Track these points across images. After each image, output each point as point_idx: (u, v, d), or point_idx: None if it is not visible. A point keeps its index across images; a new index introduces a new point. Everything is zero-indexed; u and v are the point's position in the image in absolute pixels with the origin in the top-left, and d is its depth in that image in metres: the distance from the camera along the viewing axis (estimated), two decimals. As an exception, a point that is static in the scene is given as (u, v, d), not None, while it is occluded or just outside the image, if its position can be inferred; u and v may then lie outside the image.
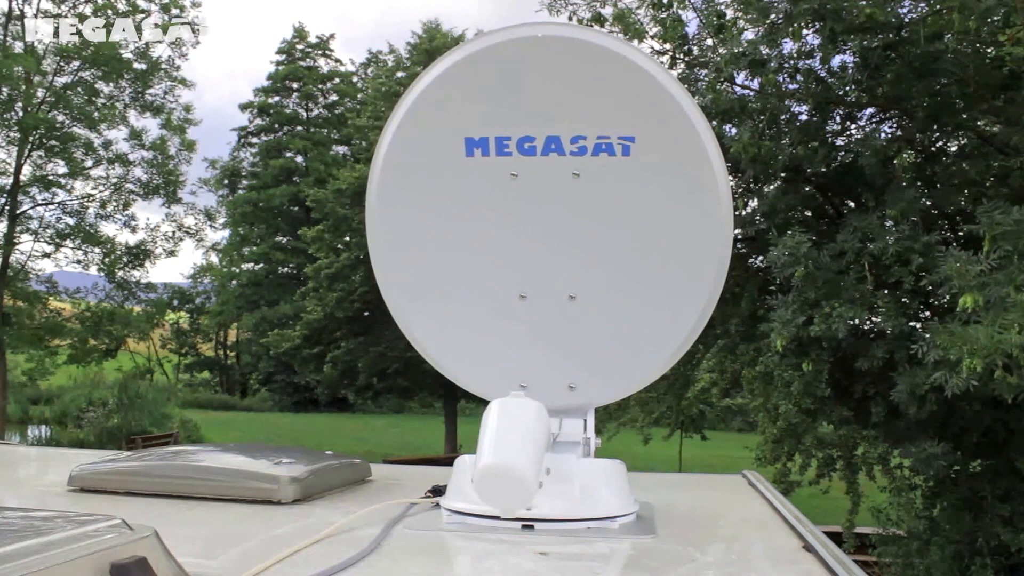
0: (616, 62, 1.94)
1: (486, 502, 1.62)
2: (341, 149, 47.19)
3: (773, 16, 6.47)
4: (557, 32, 2.00)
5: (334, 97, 50.34)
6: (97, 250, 23.14)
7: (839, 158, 7.22)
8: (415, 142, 2.04)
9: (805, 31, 6.51)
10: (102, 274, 23.52)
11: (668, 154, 1.96)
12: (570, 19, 7.08)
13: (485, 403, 1.73)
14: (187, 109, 24.31)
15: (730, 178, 7.84)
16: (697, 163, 1.95)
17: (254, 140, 50.38)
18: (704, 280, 1.97)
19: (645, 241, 1.99)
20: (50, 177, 22.14)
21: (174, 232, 25.18)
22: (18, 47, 20.73)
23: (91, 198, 23.20)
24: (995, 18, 5.93)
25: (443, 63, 2.01)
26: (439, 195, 2.05)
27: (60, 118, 21.64)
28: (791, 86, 7.03)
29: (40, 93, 21.19)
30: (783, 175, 7.29)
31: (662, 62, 7.30)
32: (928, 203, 6.57)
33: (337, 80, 50.27)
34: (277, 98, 50.02)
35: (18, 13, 21.25)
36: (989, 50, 6.31)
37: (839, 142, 7.45)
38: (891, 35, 6.31)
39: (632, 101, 1.95)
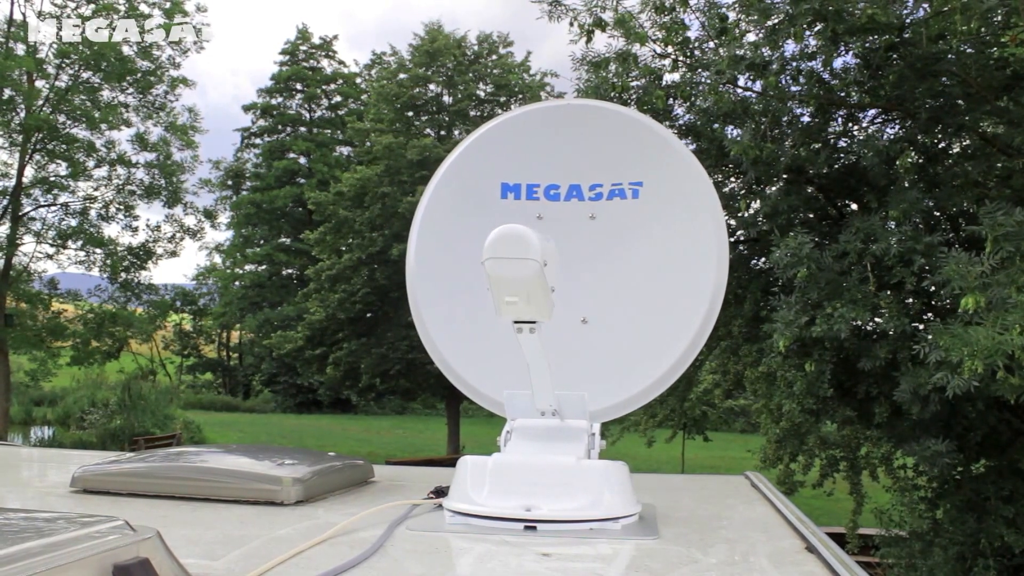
0: (627, 123, 2.37)
1: (492, 273, 1.74)
2: (344, 150, 47.21)
3: (775, 18, 6.46)
4: (581, 102, 2.62)
5: (338, 98, 50.36)
6: (99, 251, 23.14)
7: (841, 159, 7.21)
8: (461, 180, 2.40)
9: (807, 32, 6.50)
10: (104, 276, 23.52)
11: (671, 193, 2.27)
12: (571, 24, 7.03)
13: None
14: (194, 116, 24.32)
15: (732, 179, 7.86)
16: (695, 200, 2.25)
17: (257, 141, 50.46)
18: (702, 300, 2.16)
19: (649, 271, 2.25)
20: (51, 179, 22.14)
21: (175, 234, 25.20)
22: (20, 49, 20.74)
23: (94, 200, 23.21)
24: (996, 18, 5.91)
25: (496, 120, 2.45)
26: (475, 227, 2.29)
27: (62, 119, 21.64)
28: (793, 88, 7.02)
29: (43, 95, 21.19)
30: (785, 176, 7.27)
31: (663, 64, 7.29)
32: (930, 204, 6.54)
33: (340, 81, 50.31)
34: (280, 99, 50.07)
35: (20, 16, 21.29)
36: (992, 51, 6.30)
37: (841, 143, 7.44)
38: (893, 36, 6.29)
39: (640, 153, 2.31)
